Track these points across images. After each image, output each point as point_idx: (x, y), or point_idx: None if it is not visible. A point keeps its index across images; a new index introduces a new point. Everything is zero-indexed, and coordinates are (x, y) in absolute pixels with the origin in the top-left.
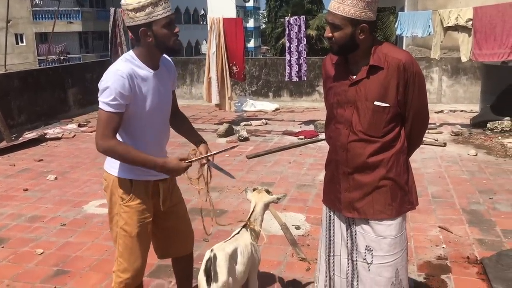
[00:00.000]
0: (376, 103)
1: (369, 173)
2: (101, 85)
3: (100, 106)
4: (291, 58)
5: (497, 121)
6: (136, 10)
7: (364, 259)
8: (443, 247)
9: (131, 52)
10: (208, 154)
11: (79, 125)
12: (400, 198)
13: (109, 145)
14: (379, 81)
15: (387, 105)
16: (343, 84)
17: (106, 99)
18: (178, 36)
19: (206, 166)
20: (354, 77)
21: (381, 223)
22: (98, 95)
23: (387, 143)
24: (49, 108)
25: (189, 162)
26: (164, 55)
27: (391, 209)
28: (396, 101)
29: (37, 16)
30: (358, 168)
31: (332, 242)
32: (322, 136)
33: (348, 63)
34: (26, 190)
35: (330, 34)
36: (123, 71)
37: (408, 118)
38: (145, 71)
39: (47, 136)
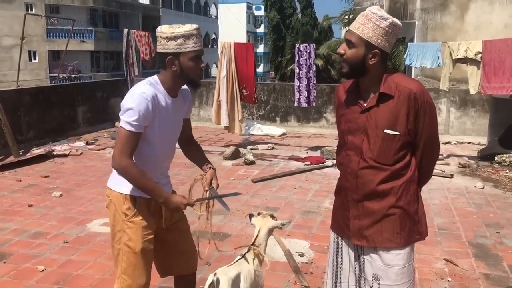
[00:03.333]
0: (386, 131)
1: (378, 200)
2: (125, 105)
3: (121, 125)
4: (300, 84)
5: (505, 155)
6: (169, 39)
7: (371, 287)
8: (448, 280)
9: (155, 76)
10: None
11: (87, 143)
12: (409, 227)
13: (126, 163)
14: (389, 109)
15: (397, 133)
16: (354, 111)
17: (129, 119)
18: (202, 71)
19: (208, 193)
20: (365, 104)
21: (389, 252)
22: (120, 114)
23: (397, 171)
24: (58, 125)
25: (193, 201)
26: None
27: (400, 238)
28: (406, 130)
29: (51, 34)
30: (368, 195)
31: (340, 269)
32: (329, 162)
33: (360, 90)
34: (31, 206)
35: (343, 51)
36: (148, 94)
37: (419, 148)
38: (165, 97)
39: (55, 153)
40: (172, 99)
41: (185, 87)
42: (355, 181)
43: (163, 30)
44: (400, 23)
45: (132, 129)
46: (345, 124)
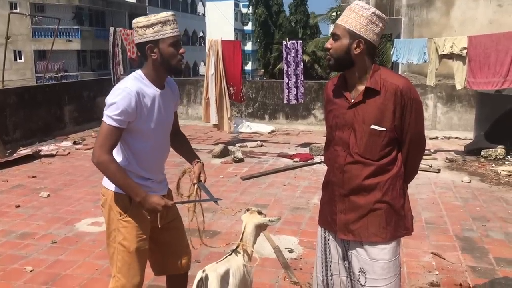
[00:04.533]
0: (372, 126)
1: (364, 195)
2: (109, 100)
3: (104, 119)
4: (289, 81)
5: (491, 149)
6: (146, 27)
7: (358, 280)
8: (436, 274)
9: (139, 71)
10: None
11: (74, 143)
12: (395, 222)
13: (105, 158)
14: (376, 105)
15: (384, 129)
16: (342, 107)
17: (111, 113)
18: (183, 57)
19: (196, 187)
20: (352, 100)
21: (375, 246)
22: (104, 109)
23: (383, 166)
24: (45, 125)
25: (172, 203)
26: (169, 77)
27: (385, 232)
28: (392, 126)
29: (36, 34)
30: (354, 190)
31: (329, 262)
32: (317, 159)
33: (347, 86)
34: (18, 206)
35: (330, 45)
36: (131, 89)
37: (405, 144)
38: (152, 90)
39: (42, 153)
40: (160, 91)
41: (170, 79)
42: (342, 176)
43: (139, 20)
44: (384, 15)
45: (114, 123)
46: (333, 119)
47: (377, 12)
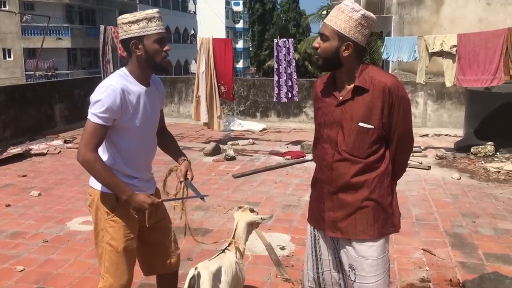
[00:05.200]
0: (360, 124)
1: (352, 193)
2: (93, 97)
3: (88, 117)
4: (280, 79)
5: (480, 146)
6: (131, 23)
7: (348, 276)
8: (426, 270)
9: (124, 68)
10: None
11: (65, 141)
12: (383, 219)
13: (90, 157)
14: (364, 102)
15: (371, 127)
16: (330, 105)
17: (96, 111)
18: (168, 55)
19: (182, 184)
20: (341, 97)
21: (363, 244)
22: (89, 107)
23: (370, 164)
24: (35, 124)
25: (158, 201)
26: (154, 75)
27: (373, 230)
28: (380, 123)
29: (26, 32)
30: (342, 187)
31: (319, 259)
32: (309, 157)
33: (336, 84)
34: (9, 205)
35: (318, 45)
36: (116, 86)
37: (393, 141)
38: (137, 87)
39: (32, 152)
40: (146, 88)
41: (155, 77)
42: (330, 174)
43: (125, 16)
44: (373, 16)
45: (99, 121)
46: (321, 117)
47: (367, 14)
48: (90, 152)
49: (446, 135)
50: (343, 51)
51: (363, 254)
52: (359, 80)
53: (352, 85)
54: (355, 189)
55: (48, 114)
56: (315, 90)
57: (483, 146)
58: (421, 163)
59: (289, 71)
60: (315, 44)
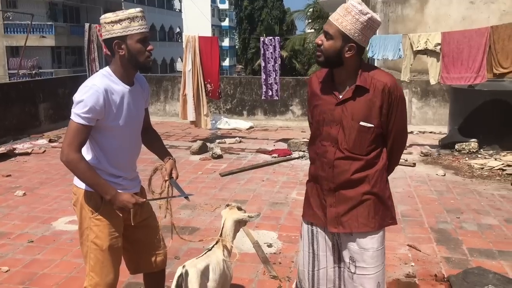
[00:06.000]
0: (361, 123)
1: (353, 188)
2: (76, 97)
3: (71, 117)
4: (268, 77)
5: (464, 143)
6: (114, 22)
7: (348, 268)
8: (412, 265)
9: (107, 68)
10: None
11: (50, 141)
12: (382, 212)
13: (74, 157)
14: (365, 102)
15: (372, 125)
16: (330, 103)
17: (79, 111)
18: (151, 54)
19: (167, 183)
20: (341, 96)
21: (365, 236)
22: (72, 107)
23: (370, 160)
24: (19, 123)
25: (142, 201)
26: (138, 73)
27: (374, 222)
28: (379, 122)
29: (8, 30)
30: (343, 184)
31: (317, 255)
32: (295, 154)
33: (335, 82)
34: None
35: (320, 41)
36: (99, 86)
37: (389, 138)
38: (120, 87)
39: (16, 151)
40: (129, 88)
41: (140, 75)
42: (332, 171)
43: (107, 15)
44: (379, 19)
45: (82, 121)
46: (319, 115)
47: (374, 17)
48: (73, 152)
49: (430, 132)
50: (346, 52)
51: (364, 246)
52: (360, 80)
53: (352, 85)
54: (356, 185)
55: (33, 113)
56: (310, 87)
57: (467, 143)
58: (406, 160)
59: (275, 69)
60: (318, 41)
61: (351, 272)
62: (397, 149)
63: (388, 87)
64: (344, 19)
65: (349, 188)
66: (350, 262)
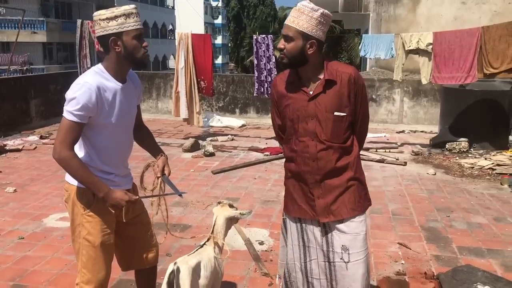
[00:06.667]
0: (335, 113)
1: (338, 176)
2: (69, 95)
3: (64, 114)
4: (261, 75)
5: (455, 142)
6: (109, 19)
7: (341, 258)
8: (402, 263)
9: (100, 65)
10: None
11: (41, 137)
12: (364, 195)
13: (66, 154)
14: (335, 93)
15: (344, 114)
16: (301, 100)
17: (71, 108)
18: (147, 50)
19: (160, 180)
20: (311, 92)
21: (354, 220)
22: (65, 104)
23: (347, 148)
24: (10, 119)
25: (135, 198)
26: (131, 70)
27: (360, 205)
28: (350, 110)
29: None
30: (328, 173)
31: (307, 248)
32: None
33: (301, 80)
34: None
35: (283, 46)
36: (91, 84)
37: (357, 124)
38: (113, 84)
39: (7, 148)
40: (122, 85)
41: (132, 72)
42: (316, 164)
43: (102, 12)
44: (329, 13)
45: (74, 119)
46: (293, 113)
47: (325, 12)
48: (66, 149)
49: (422, 131)
50: (308, 49)
51: (356, 230)
52: (328, 73)
53: (317, 80)
54: (341, 173)
55: (24, 109)
56: (276, 89)
57: (457, 142)
58: (398, 159)
59: (268, 67)
60: (280, 46)
61: (345, 262)
62: (363, 133)
63: (353, 77)
64: (299, 19)
65: (334, 176)
66: (343, 251)
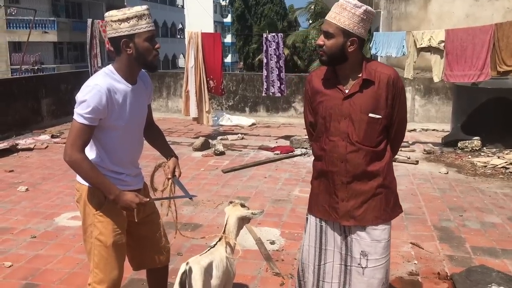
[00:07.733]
0: (370, 115)
1: (367, 181)
2: (79, 97)
3: (74, 117)
4: (271, 74)
5: (467, 141)
6: (121, 21)
7: (358, 264)
8: (415, 263)
9: (110, 66)
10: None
11: (52, 136)
12: (393, 203)
13: (77, 157)
14: (372, 94)
15: (380, 116)
16: (336, 98)
17: (81, 111)
18: (158, 53)
19: (170, 181)
20: (347, 91)
21: (377, 228)
22: (75, 107)
23: (380, 152)
24: (22, 119)
25: (146, 200)
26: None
27: (386, 214)
28: (386, 113)
29: (11, 25)
30: (357, 176)
31: (324, 250)
32: (298, 151)
33: (338, 78)
34: None
35: (322, 42)
36: (101, 86)
37: (393, 129)
38: (123, 86)
39: (19, 147)
40: (132, 86)
41: (143, 72)
42: (344, 165)
43: (113, 13)
44: (372, 10)
45: (84, 121)
46: (326, 110)
47: (368, 9)
48: (77, 152)
49: (433, 130)
50: (349, 46)
51: (377, 238)
52: (366, 73)
53: (355, 78)
54: (370, 178)
55: (35, 108)
56: (311, 85)
57: (470, 141)
58: (409, 158)
59: (278, 66)
60: (319, 42)
61: (362, 267)
62: (399, 139)
63: (392, 79)
64: (341, 16)
65: (362, 181)
66: (361, 256)
